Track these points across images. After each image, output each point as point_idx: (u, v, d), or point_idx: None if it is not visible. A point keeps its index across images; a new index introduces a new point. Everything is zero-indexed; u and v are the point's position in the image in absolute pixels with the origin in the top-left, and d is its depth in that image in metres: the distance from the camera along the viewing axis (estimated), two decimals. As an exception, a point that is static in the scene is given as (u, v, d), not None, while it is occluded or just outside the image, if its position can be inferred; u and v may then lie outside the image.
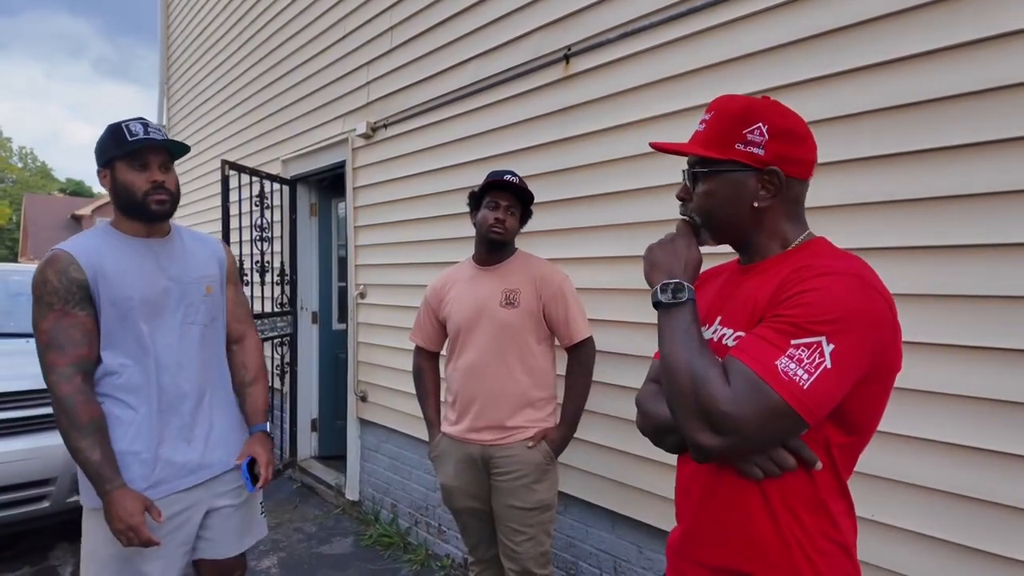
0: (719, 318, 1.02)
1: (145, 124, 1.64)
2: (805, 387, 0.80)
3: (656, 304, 0.96)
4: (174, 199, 1.71)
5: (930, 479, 1.50)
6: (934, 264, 1.50)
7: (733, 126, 0.96)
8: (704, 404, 0.84)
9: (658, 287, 0.96)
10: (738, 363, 0.85)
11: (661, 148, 1.05)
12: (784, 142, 0.94)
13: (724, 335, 0.98)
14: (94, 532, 1.63)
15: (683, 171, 1.05)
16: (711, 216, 1.01)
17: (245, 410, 1.93)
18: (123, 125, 1.63)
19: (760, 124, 0.94)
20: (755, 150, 0.94)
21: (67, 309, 1.57)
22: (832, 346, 0.81)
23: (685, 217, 1.05)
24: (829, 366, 0.80)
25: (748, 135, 0.94)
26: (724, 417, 0.82)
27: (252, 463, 1.82)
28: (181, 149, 1.74)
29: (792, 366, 0.81)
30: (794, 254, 0.98)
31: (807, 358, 0.81)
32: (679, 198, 1.05)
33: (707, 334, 1.02)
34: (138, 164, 1.63)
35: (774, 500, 0.90)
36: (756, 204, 0.96)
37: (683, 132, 1.06)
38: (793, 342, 0.82)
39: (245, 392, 1.93)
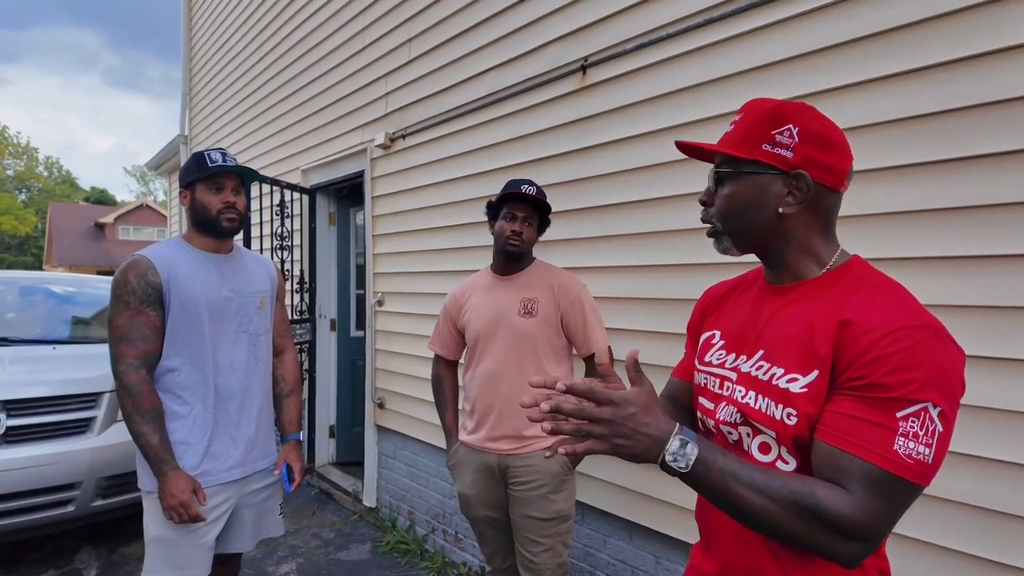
0: (761, 351, 0.93)
1: (223, 153, 1.87)
2: (931, 462, 0.76)
3: (680, 477, 0.83)
4: (242, 218, 1.92)
5: (957, 493, 1.47)
6: (974, 275, 1.49)
7: (762, 126, 0.91)
8: (835, 527, 0.76)
9: (664, 459, 0.83)
10: (854, 461, 0.77)
11: (686, 146, 1.02)
12: (815, 146, 0.89)
13: (774, 374, 0.89)
14: (150, 512, 1.81)
15: (709, 174, 1.01)
16: (731, 221, 0.95)
17: (281, 419, 2.10)
18: (205, 153, 1.86)
19: (790, 126, 0.89)
20: (783, 152, 0.89)
21: (141, 308, 1.75)
22: (939, 408, 0.76)
23: (706, 226, 1.00)
24: (942, 430, 0.76)
25: (777, 136, 0.89)
26: (863, 528, 0.76)
27: (287, 468, 2.03)
28: (252, 176, 1.98)
29: (911, 445, 0.75)
30: (838, 279, 0.91)
31: (921, 430, 0.75)
32: (701, 202, 1.01)
33: (746, 367, 0.94)
34: (215, 187, 1.86)
35: None
36: (781, 210, 0.90)
37: (699, 141, 1.06)
38: (899, 415, 0.76)
39: (282, 403, 2.10)
